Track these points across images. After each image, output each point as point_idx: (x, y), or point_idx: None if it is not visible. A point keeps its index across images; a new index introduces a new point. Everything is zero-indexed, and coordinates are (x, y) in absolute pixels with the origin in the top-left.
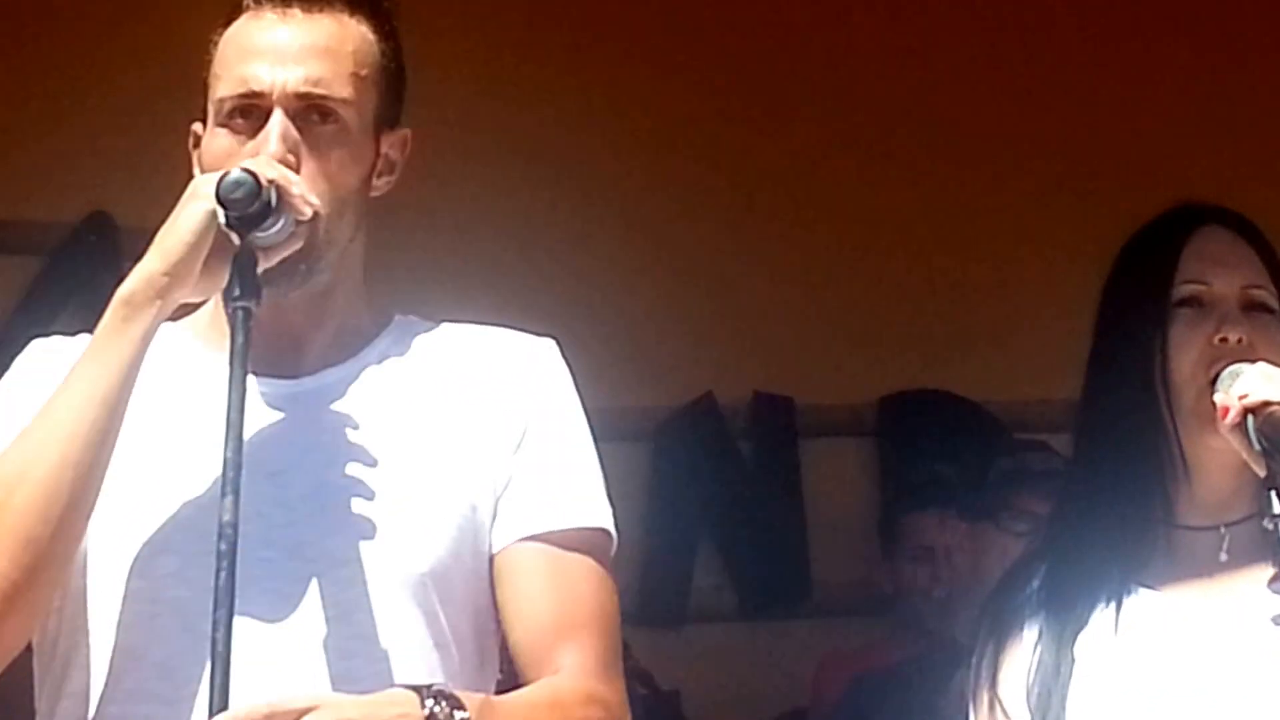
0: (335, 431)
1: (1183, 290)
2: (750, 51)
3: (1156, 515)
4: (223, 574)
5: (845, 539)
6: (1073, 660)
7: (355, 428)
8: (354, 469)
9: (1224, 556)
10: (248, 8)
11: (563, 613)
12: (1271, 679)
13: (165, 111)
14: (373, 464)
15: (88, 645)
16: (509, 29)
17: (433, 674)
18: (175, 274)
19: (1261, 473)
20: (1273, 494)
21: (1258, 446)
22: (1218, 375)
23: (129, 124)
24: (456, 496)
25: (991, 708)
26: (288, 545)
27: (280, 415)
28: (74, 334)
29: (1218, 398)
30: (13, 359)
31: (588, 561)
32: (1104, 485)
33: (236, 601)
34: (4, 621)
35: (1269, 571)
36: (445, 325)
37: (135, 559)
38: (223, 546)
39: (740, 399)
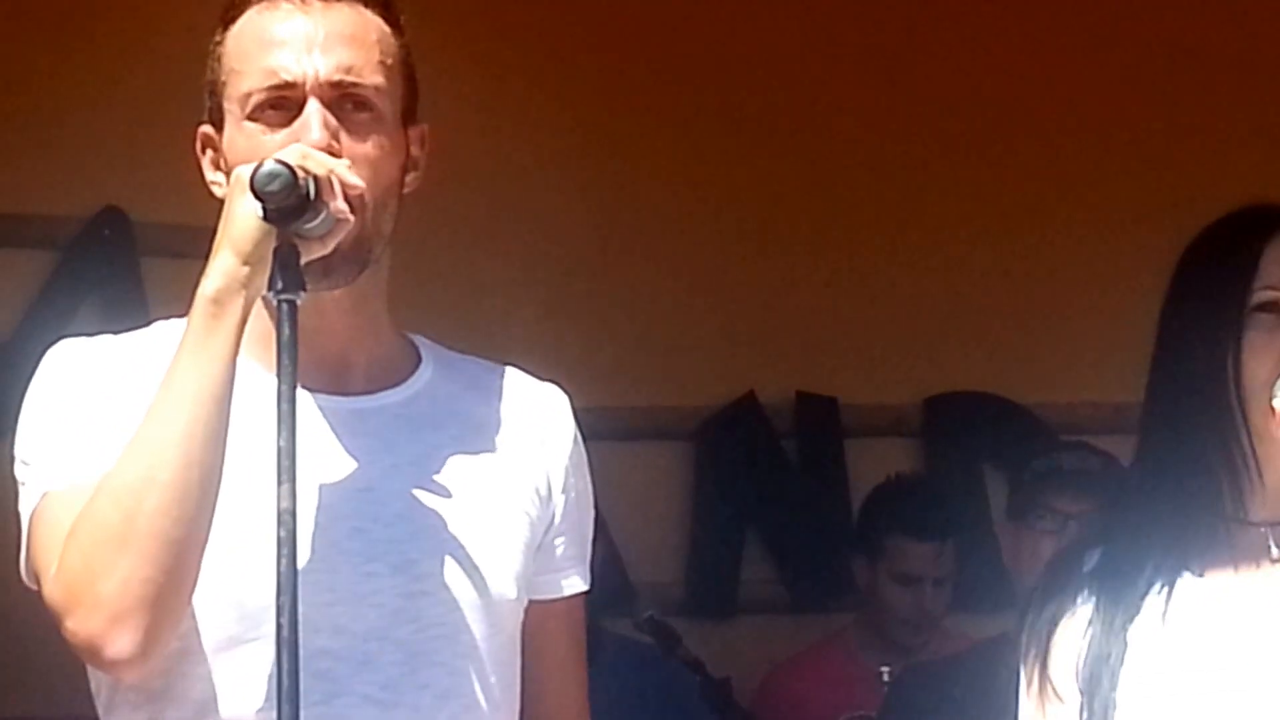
0: (413, 453)
1: (1262, 295)
2: (781, 52)
3: (1220, 511)
4: (283, 561)
5: None
6: (1125, 645)
7: (429, 453)
8: (441, 492)
9: (1275, 552)
10: (258, 0)
11: (579, 685)
12: None
13: (177, 107)
14: (454, 491)
15: (195, 658)
16: (539, 25)
17: (509, 694)
18: (253, 263)
19: None
20: None
21: None
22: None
23: (141, 119)
24: (520, 532)
25: (1042, 689)
26: (393, 562)
27: (352, 431)
28: (94, 334)
29: (1276, 403)
30: (36, 350)
31: (584, 626)
32: (1168, 482)
33: (345, 610)
34: (158, 624)
35: None
36: (465, 358)
37: (236, 572)
38: (282, 534)
39: (783, 399)
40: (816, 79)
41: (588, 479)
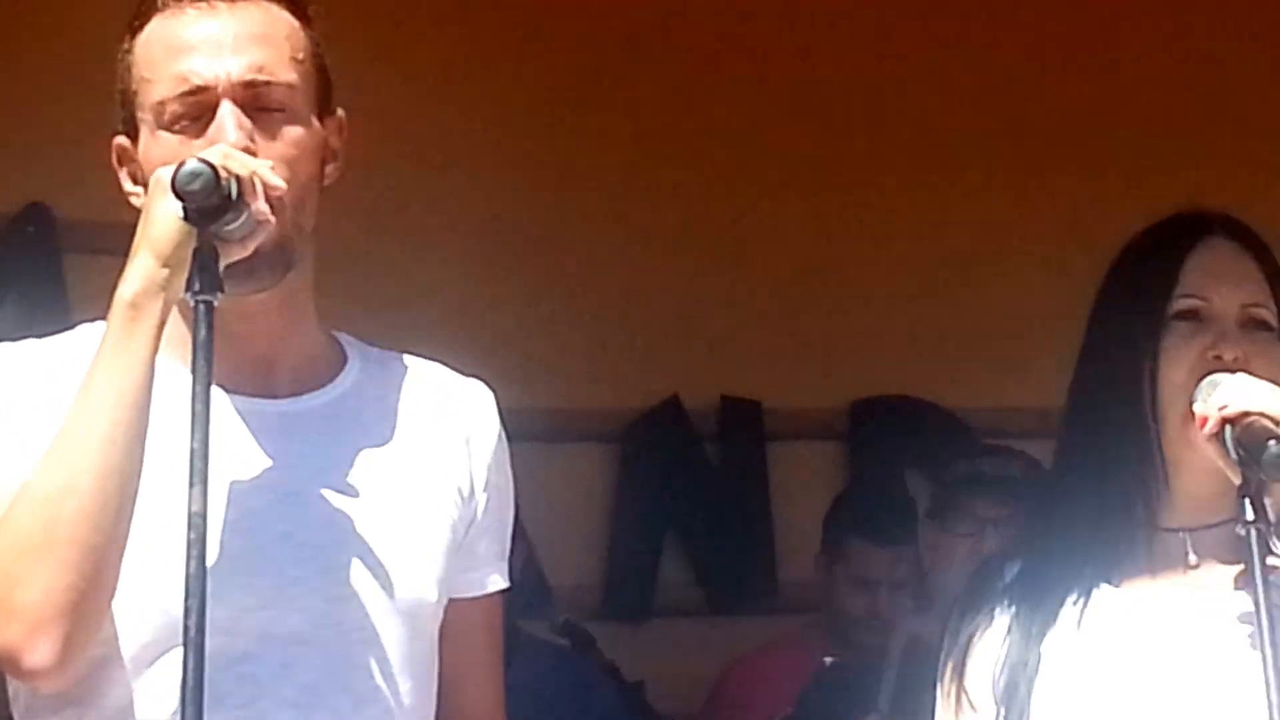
0: (339, 456)
1: (1182, 304)
2: (719, 59)
3: (1136, 518)
4: (192, 563)
5: (812, 540)
6: (1041, 654)
7: (354, 455)
8: (364, 496)
9: (1192, 558)
10: (163, 7)
11: (496, 682)
12: (1230, 677)
13: (102, 103)
14: (378, 493)
15: (117, 664)
16: (469, 20)
17: (425, 694)
18: (173, 265)
19: (1237, 481)
20: (1246, 501)
21: (1234, 456)
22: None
23: (65, 114)
24: (442, 534)
25: (958, 700)
26: (318, 566)
27: (279, 435)
28: (17, 339)
29: (1196, 407)
30: None
31: (502, 622)
32: (1085, 487)
33: (269, 614)
34: (77, 631)
35: (1237, 572)
36: (390, 355)
37: (157, 579)
38: (192, 535)
39: (708, 403)
40: (743, 83)
41: (509, 476)
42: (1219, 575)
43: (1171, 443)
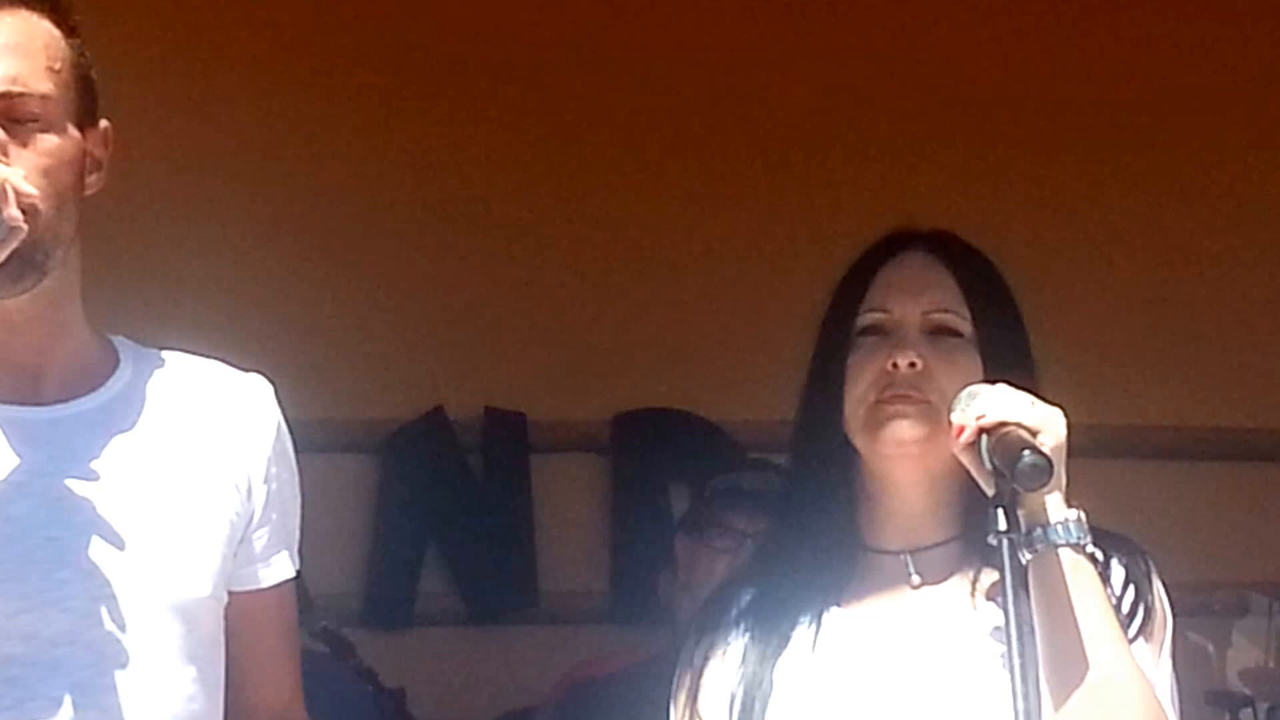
0: (108, 459)
1: (864, 319)
2: (489, 57)
3: (855, 539)
4: None
5: (574, 551)
6: (774, 679)
7: (125, 458)
8: (134, 498)
9: (915, 579)
10: None
11: (290, 671)
12: (961, 695)
13: None
14: (149, 493)
15: None
16: (259, 24)
17: (210, 688)
18: None
19: (990, 491)
20: (999, 511)
21: (989, 466)
22: (891, 398)
23: None
24: (218, 530)
25: None
26: (84, 567)
27: (45, 442)
28: None
29: (954, 417)
30: None
31: (294, 611)
32: (808, 510)
33: (34, 616)
34: None
35: (962, 590)
36: (167, 355)
37: None
38: None
39: (472, 414)
40: (517, 93)
41: (293, 465)
42: (943, 594)
43: (868, 455)
